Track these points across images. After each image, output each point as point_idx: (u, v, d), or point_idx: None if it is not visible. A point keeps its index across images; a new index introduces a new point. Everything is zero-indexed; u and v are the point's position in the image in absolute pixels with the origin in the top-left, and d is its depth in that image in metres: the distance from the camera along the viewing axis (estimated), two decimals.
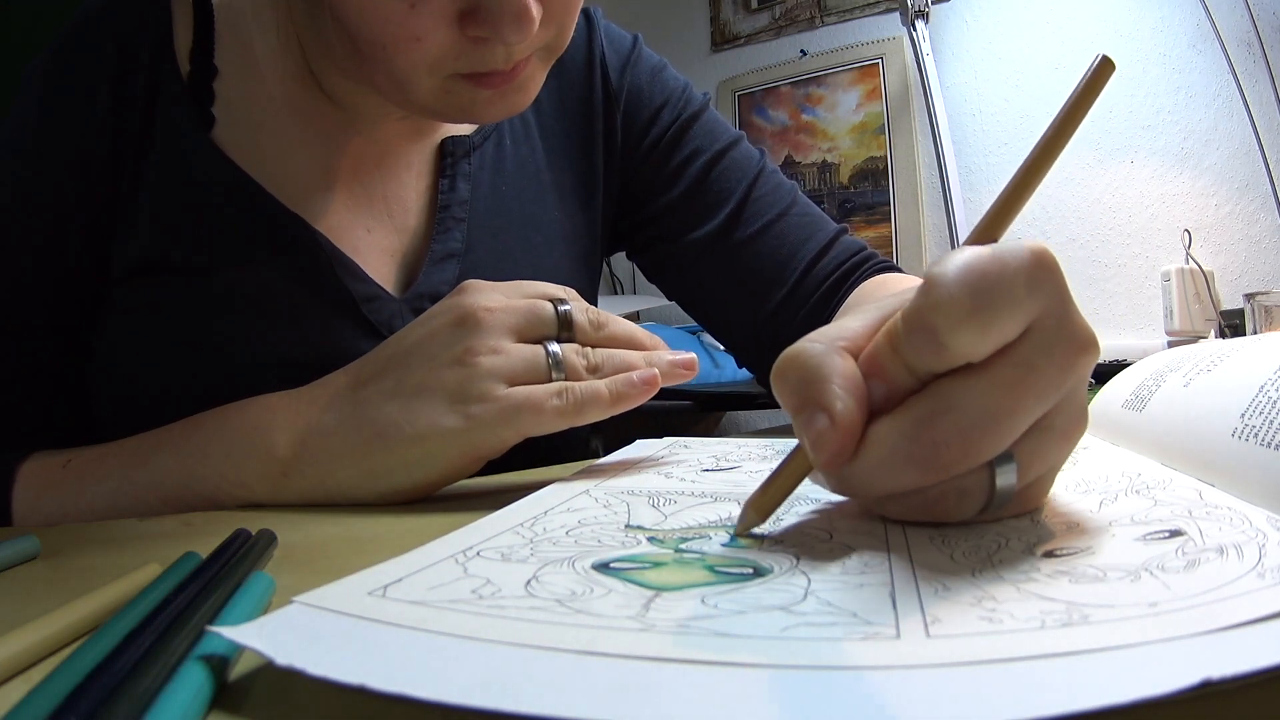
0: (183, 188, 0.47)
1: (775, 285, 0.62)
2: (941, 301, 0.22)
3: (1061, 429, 0.24)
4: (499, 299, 0.39)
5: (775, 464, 0.27)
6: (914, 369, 0.23)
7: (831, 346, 0.25)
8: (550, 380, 0.38)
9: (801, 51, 2.13)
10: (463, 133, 0.57)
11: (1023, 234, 1.85)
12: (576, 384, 0.38)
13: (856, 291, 0.60)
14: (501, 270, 0.55)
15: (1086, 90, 0.25)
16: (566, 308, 0.40)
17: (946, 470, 0.23)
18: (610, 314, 0.41)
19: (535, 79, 0.45)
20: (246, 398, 0.42)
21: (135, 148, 0.47)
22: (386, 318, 0.50)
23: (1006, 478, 0.24)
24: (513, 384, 0.37)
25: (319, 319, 0.48)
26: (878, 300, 0.28)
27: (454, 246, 0.54)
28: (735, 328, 0.65)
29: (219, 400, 0.42)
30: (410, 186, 0.54)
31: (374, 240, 0.52)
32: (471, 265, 0.54)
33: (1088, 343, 0.23)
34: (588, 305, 0.41)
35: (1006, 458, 0.23)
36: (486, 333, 0.38)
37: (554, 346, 0.38)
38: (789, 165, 2.13)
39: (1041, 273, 0.23)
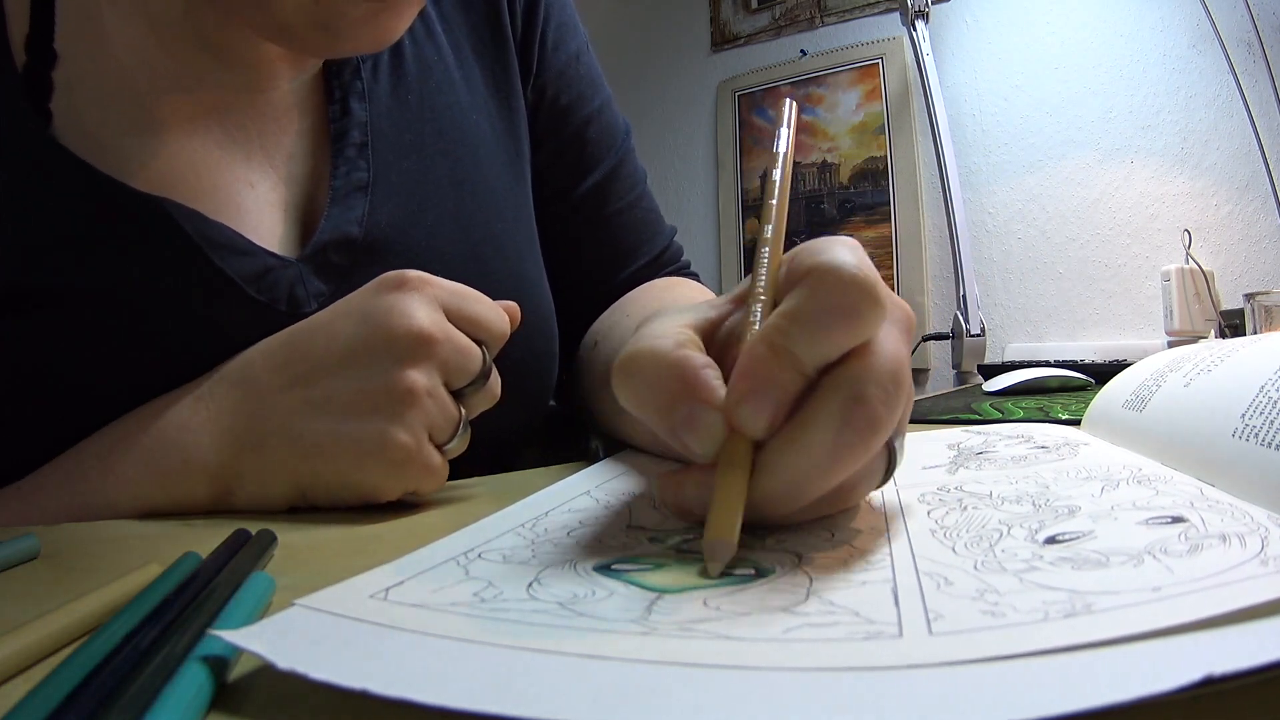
0: (31, 203, 0.39)
1: (613, 273, 0.61)
2: (859, 283, 0.23)
3: None
4: (442, 326, 0.36)
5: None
6: (816, 363, 0.24)
7: (682, 342, 0.26)
8: (450, 442, 0.37)
9: (801, 51, 2.13)
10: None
11: (1023, 234, 1.85)
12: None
13: (646, 288, 0.60)
14: (422, 198, 0.49)
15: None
16: (489, 367, 0.38)
17: (879, 443, 0.23)
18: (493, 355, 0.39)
19: (412, 3, 0.40)
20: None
21: None
22: (285, 289, 0.43)
23: (900, 439, 0.26)
24: (428, 433, 0.36)
25: (201, 316, 0.41)
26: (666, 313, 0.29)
27: (359, 177, 0.46)
28: (570, 298, 0.61)
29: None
30: (292, 126, 0.47)
31: (260, 196, 0.45)
32: (384, 196, 0.47)
33: None
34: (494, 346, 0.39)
35: None
36: (430, 369, 0.36)
37: (464, 413, 0.37)
38: None
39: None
